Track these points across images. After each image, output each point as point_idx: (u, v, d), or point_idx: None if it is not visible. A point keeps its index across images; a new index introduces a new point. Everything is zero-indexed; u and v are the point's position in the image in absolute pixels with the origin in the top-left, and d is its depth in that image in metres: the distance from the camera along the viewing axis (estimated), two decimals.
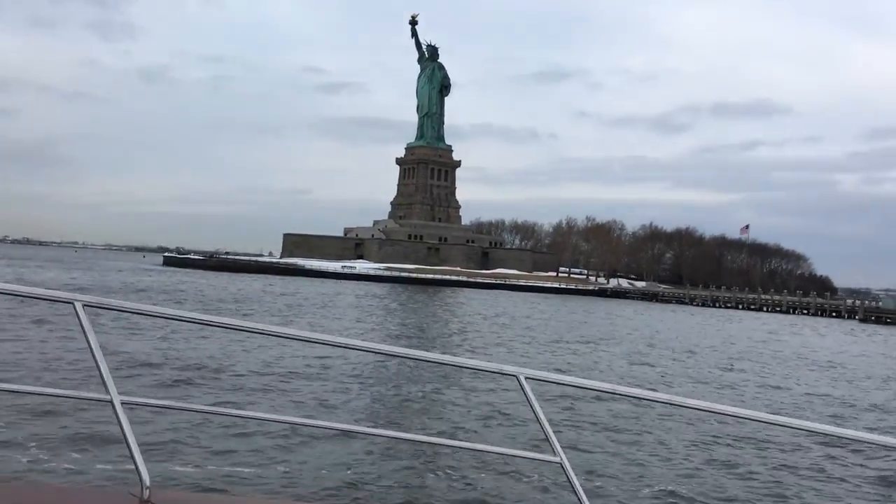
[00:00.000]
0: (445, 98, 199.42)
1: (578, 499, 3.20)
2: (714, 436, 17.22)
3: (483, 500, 11.74)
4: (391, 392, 20.72)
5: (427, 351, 3.42)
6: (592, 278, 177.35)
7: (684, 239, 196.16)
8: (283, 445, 13.65)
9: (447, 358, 3.72)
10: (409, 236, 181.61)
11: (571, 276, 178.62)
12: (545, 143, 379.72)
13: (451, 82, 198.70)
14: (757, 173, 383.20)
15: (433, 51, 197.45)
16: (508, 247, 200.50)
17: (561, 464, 3.18)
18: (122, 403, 2.74)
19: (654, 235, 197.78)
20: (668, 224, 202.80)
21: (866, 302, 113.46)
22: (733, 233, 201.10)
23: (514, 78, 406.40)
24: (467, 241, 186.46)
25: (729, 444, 16.56)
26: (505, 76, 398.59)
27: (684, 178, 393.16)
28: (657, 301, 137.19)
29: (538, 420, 3.21)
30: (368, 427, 4.09)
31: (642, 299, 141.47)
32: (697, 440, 16.90)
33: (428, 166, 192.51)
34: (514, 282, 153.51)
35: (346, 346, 3.38)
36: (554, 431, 3.28)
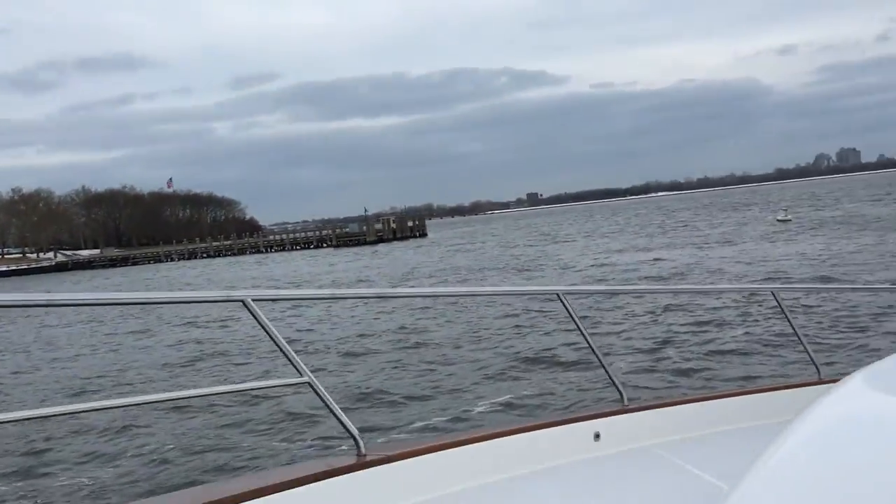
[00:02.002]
0: None
1: (336, 416, 3.23)
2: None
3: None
4: None
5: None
6: (33, 255, 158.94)
7: (122, 199, 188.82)
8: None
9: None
10: None
11: (6, 256, 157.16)
12: None
13: None
14: (137, 127, 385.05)
15: None
16: None
17: (310, 383, 3.17)
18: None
19: (90, 200, 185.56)
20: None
21: (337, 229, 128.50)
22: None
23: None
24: None
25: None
26: None
27: (62, 138, 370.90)
28: (132, 264, 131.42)
29: (277, 344, 3.13)
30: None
31: (113, 266, 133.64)
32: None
33: None
34: None
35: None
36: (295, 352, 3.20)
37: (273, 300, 3.70)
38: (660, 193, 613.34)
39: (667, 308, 21.04)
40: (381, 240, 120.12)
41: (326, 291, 3.88)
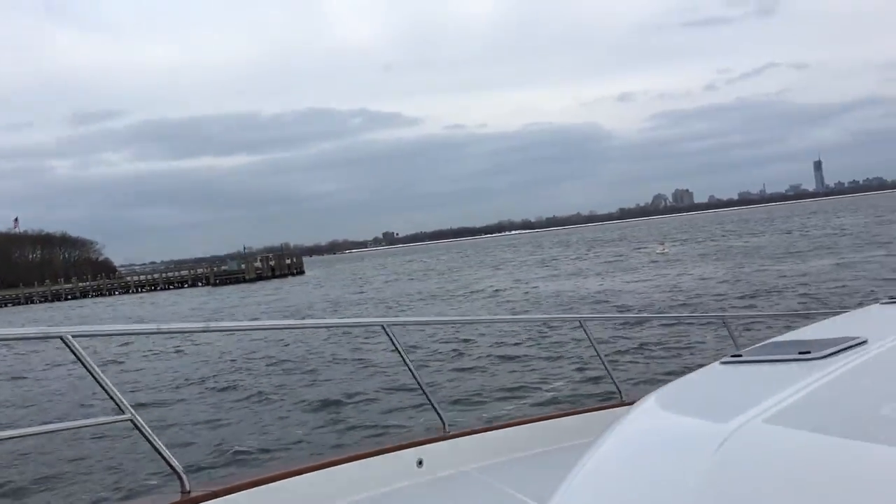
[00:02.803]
0: None
1: (160, 453, 3.18)
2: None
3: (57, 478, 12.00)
4: None
5: None
6: None
7: None
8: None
9: None
10: None
11: None
12: None
13: None
14: None
15: None
16: None
17: (132, 420, 3.06)
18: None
19: None
20: None
21: (214, 267, 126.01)
22: None
23: None
24: None
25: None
26: None
27: None
28: None
29: (98, 381, 3.01)
30: None
31: None
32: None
33: None
34: None
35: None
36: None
37: (94, 336, 3.56)
38: (513, 232, 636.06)
39: (485, 337, 22.50)
40: (260, 277, 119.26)
41: (152, 326, 3.78)
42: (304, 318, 40.49)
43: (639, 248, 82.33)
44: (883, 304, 3.09)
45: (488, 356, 19.95)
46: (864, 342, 2.15)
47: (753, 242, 69.57)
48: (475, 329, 23.47)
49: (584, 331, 5.56)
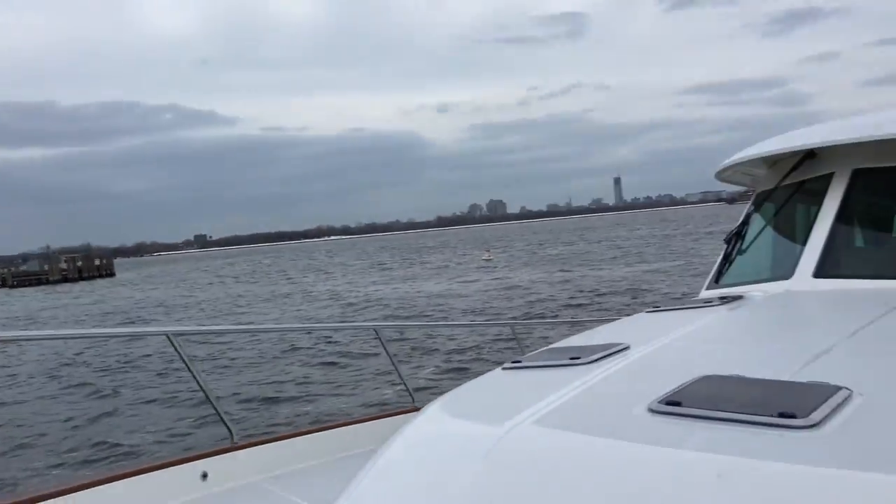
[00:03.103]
0: None
1: None
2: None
3: None
4: None
5: None
6: None
7: None
8: None
9: None
10: None
11: None
12: None
13: None
14: None
15: None
16: None
17: None
18: None
19: None
20: None
21: (11, 268, 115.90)
22: None
23: None
24: None
25: None
26: None
27: None
28: None
29: None
30: None
31: None
32: None
33: None
34: None
35: None
36: None
37: None
38: (333, 237, 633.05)
39: (280, 345, 22.35)
40: (66, 279, 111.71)
41: None
42: (132, 324, 39.38)
43: (464, 255, 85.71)
44: (647, 312, 3.30)
45: (277, 366, 19.72)
46: (627, 348, 2.33)
47: (569, 251, 74.82)
48: (276, 337, 22.84)
49: (379, 339, 5.62)
